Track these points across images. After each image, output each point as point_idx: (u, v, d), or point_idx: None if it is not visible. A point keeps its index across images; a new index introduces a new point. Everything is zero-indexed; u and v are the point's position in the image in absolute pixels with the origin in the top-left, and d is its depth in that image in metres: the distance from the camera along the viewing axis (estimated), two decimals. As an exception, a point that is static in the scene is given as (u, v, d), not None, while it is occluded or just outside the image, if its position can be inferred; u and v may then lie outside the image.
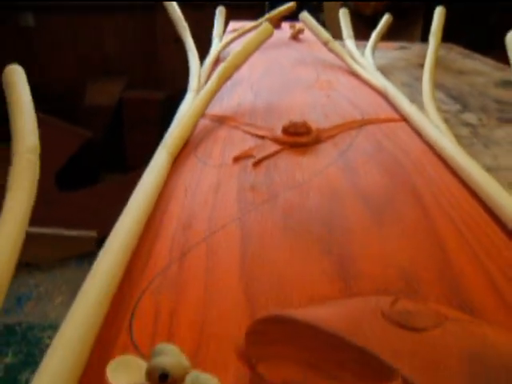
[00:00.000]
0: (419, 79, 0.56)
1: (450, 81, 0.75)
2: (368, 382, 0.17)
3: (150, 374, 0.16)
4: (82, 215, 1.62)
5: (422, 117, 0.45)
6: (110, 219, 0.28)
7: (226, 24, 0.92)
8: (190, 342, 0.20)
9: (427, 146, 0.41)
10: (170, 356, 0.16)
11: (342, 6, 0.98)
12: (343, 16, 0.83)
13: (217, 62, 0.69)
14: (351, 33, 0.79)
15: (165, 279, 0.24)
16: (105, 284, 0.22)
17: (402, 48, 1.01)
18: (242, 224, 0.29)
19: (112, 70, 2.17)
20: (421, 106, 0.48)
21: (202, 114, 0.45)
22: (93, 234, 1.55)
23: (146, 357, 0.18)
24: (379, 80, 0.58)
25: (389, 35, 0.85)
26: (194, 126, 0.43)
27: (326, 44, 0.72)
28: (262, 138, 0.43)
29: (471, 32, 1.56)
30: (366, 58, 0.71)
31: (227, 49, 0.76)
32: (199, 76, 0.57)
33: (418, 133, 0.43)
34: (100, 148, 1.96)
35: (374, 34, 0.81)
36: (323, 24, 1.33)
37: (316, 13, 1.50)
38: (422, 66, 0.59)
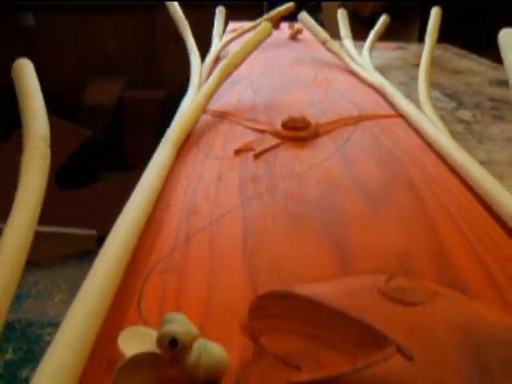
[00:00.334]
0: (416, 78, 0.57)
1: (445, 80, 0.76)
2: (365, 350, 0.18)
3: (160, 340, 0.17)
4: (82, 213, 1.63)
5: (419, 113, 0.46)
6: (110, 217, 0.28)
7: (226, 24, 0.93)
8: (197, 316, 0.21)
9: (423, 140, 0.42)
10: (180, 324, 0.17)
11: (340, 6, 0.99)
12: (341, 16, 0.84)
13: (217, 60, 0.70)
14: (349, 33, 0.80)
15: (171, 261, 0.25)
16: (105, 283, 0.22)
17: (399, 48, 1.03)
18: (244, 210, 0.30)
19: (112, 70, 2.18)
20: (417, 103, 0.50)
21: (203, 110, 0.46)
22: (93, 232, 1.56)
23: (155, 329, 0.19)
24: (377, 78, 0.59)
25: (386, 35, 0.86)
26: (196, 120, 0.44)
27: (324, 43, 0.73)
28: (262, 132, 0.44)
29: (470, 32, 1.58)
30: (363, 57, 0.72)
31: (227, 48, 0.77)
32: (200, 73, 0.58)
33: (414, 128, 0.45)
34: (100, 147, 1.97)
35: (372, 34, 0.82)
36: (321, 24, 1.34)
37: (314, 13, 1.51)
38: (418, 65, 0.60)
